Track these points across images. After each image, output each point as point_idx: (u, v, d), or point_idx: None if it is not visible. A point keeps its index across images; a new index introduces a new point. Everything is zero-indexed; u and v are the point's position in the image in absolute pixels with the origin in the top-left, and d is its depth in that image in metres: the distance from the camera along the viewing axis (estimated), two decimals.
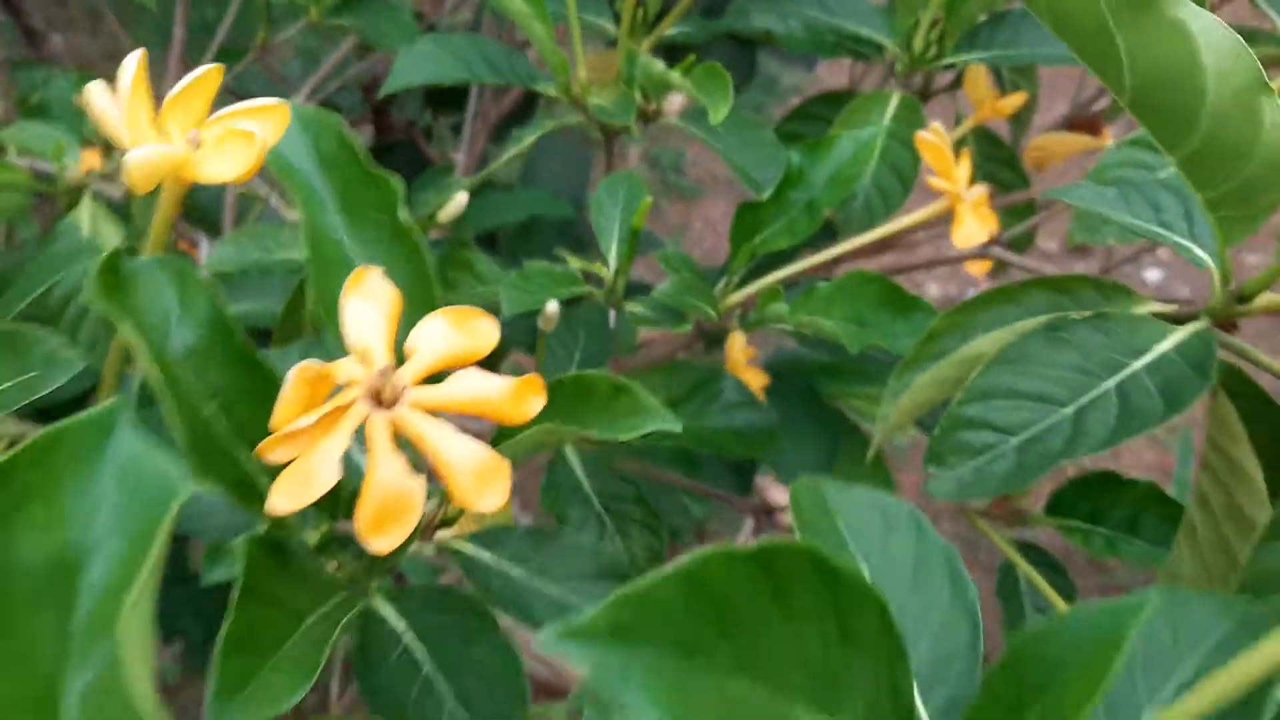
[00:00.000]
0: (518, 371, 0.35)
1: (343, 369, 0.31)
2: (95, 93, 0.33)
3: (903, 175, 0.68)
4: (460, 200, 0.68)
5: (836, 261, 0.64)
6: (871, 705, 0.23)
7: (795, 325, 0.60)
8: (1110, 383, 0.35)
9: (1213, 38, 0.31)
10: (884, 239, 0.64)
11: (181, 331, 0.33)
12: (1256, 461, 0.38)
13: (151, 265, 0.32)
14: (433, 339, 0.32)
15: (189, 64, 0.49)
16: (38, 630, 0.18)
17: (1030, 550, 0.60)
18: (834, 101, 0.78)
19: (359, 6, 0.78)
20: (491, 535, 0.41)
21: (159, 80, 0.36)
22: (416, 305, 0.33)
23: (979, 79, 0.71)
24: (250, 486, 0.33)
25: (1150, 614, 0.25)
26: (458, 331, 0.32)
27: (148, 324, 0.31)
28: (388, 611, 0.39)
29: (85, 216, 0.53)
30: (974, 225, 0.59)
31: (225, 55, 1.20)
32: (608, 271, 0.62)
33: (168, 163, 0.32)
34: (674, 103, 0.71)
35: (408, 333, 0.32)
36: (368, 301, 0.32)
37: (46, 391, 0.35)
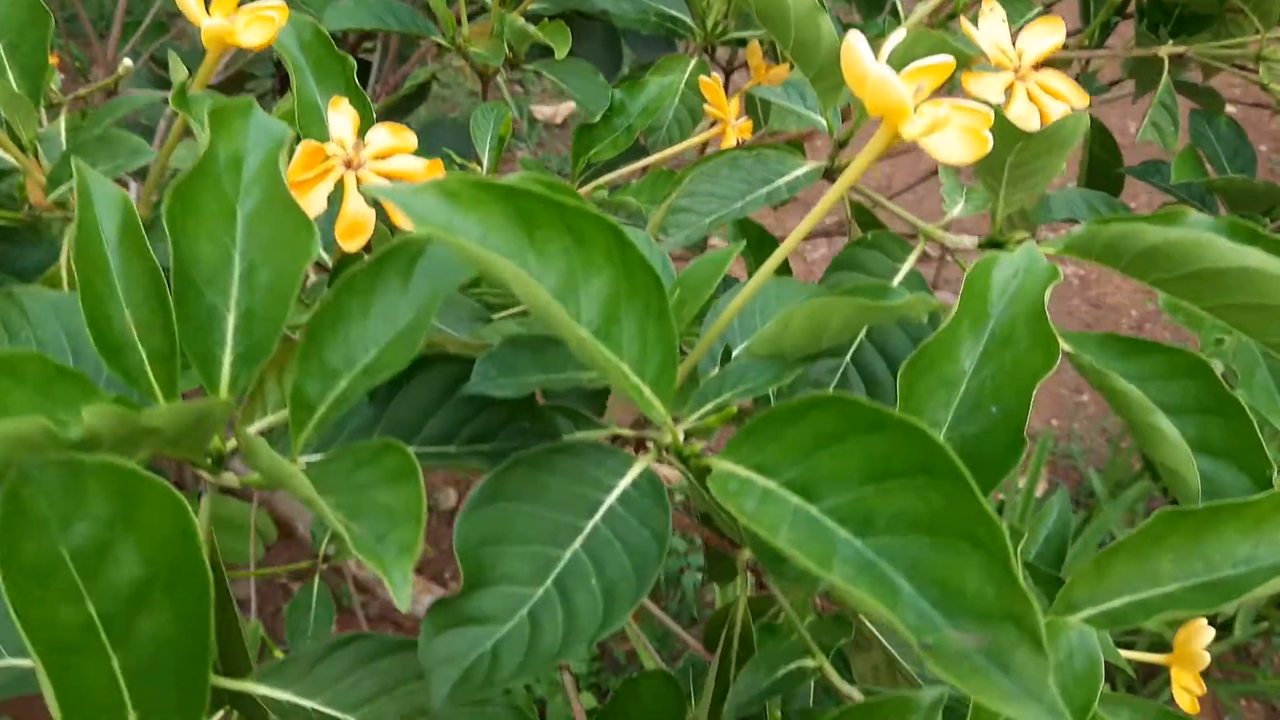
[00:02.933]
0: None
1: (329, 148, 0.55)
2: None
3: (694, 113, 0.95)
4: None
5: (645, 170, 0.91)
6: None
7: (614, 205, 0.86)
8: (763, 191, 0.62)
9: None
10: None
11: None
12: None
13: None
14: (379, 135, 0.56)
15: None
16: (228, 186, 0.42)
17: None
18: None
19: None
20: None
21: None
22: (368, 123, 0.58)
23: (755, 52, 0.98)
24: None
25: (760, 289, 0.51)
26: (394, 135, 0.57)
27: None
28: None
29: None
30: (736, 138, 0.85)
31: (155, 30, 1.43)
32: (481, 170, 0.87)
33: (225, 29, 0.56)
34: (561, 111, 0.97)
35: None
36: (341, 114, 0.56)
37: (134, 169, 0.58)
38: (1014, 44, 0.61)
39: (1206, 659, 0.64)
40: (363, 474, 0.36)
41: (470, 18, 0.95)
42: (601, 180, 0.89)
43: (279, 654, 0.89)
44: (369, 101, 0.60)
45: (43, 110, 0.66)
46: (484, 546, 0.41)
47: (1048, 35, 0.62)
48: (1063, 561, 0.78)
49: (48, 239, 0.65)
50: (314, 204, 0.54)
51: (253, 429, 0.46)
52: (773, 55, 1.07)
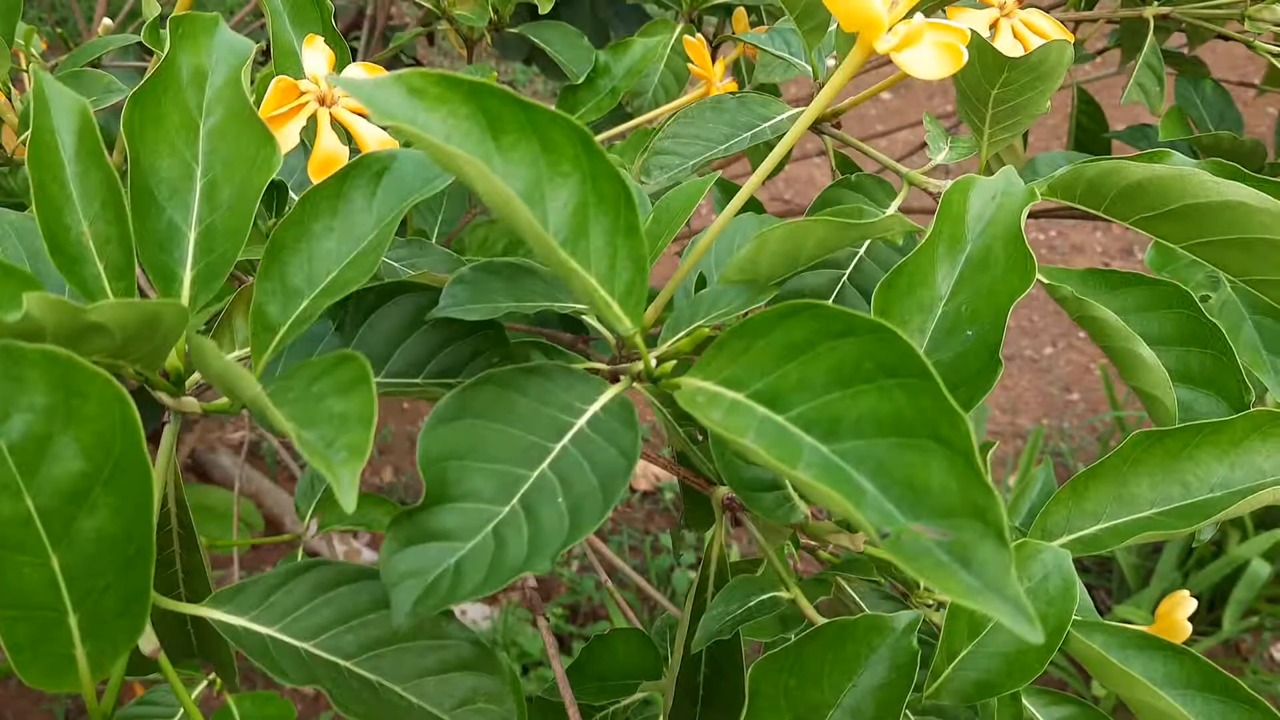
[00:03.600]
0: None
1: (303, 84, 0.55)
2: None
3: (679, 78, 0.94)
4: None
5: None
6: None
7: None
8: (747, 135, 0.61)
9: None
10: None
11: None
12: None
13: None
14: (355, 73, 0.56)
15: None
16: (191, 100, 0.42)
17: None
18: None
19: None
20: None
21: None
22: (344, 63, 0.57)
23: (741, 17, 0.98)
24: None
25: (735, 222, 0.50)
26: (370, 74, 0.56)
27: None
28: None
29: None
30: None
31: None
32: None
33: None
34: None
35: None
36: (316, 51, 0.55)
37: (106, 106, 0.58)
38: None
39: (1188, 629, 0.63)
40: (319, 385, 0.35)
41: None
42: None
43: None
44: (346, 45, 0.60)
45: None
46: (450, 461, 0.40)
47: None
48: None
49: (24, 186, 0.65)
50: (287, 139, 0.53)
51: (235, 355, 0.45)
52: (760, 24, 1.07)
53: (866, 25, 0.42)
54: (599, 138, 0.89)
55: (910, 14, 0.44)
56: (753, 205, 0.86)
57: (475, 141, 0.37)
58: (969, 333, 0.44)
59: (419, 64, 1.59)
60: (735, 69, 1.02)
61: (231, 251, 0.40)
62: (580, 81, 0.87)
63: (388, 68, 1.29)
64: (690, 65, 0.85)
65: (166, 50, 0.41)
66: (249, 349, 0.46)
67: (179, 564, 0.47)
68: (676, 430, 0.54)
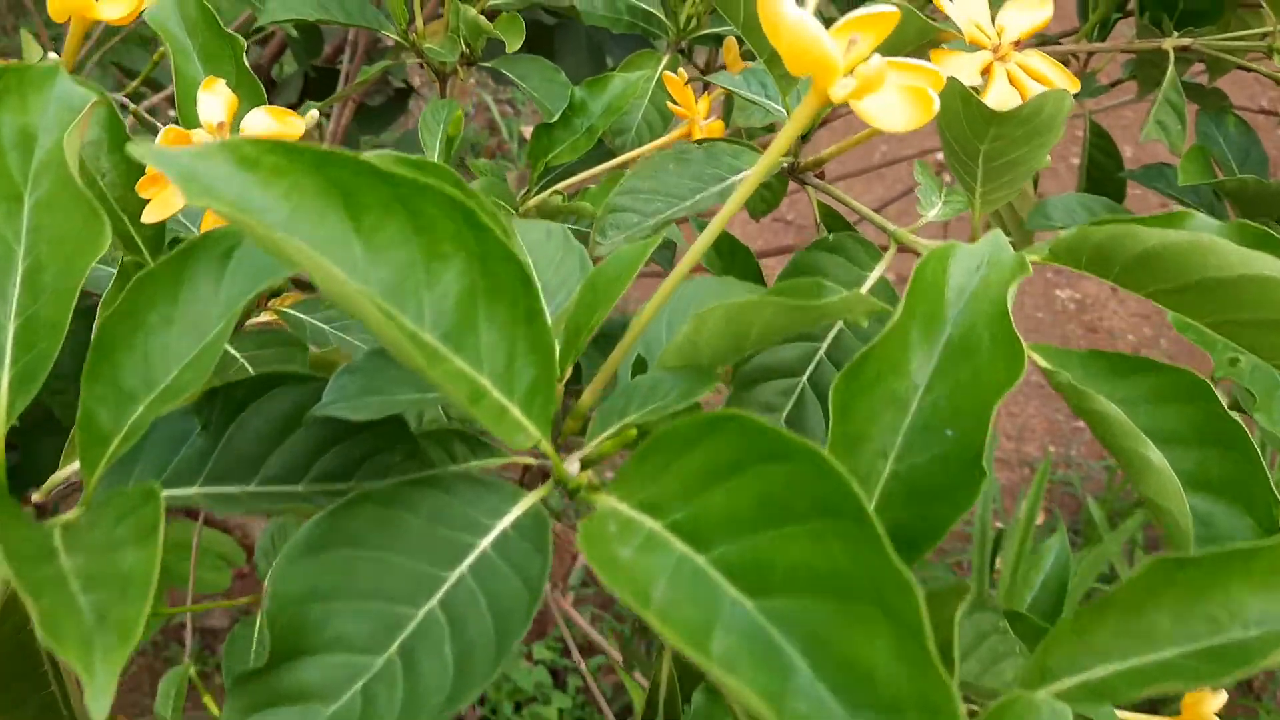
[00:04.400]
0: None
1: (195, 134, 0.48)
2: None
3: (664, 115, 0.87)
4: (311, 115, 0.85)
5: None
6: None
7: (569, 211, 0.78)
8: (714, 189, 0.54)
9: None
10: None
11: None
12: None
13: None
14: (258, 120, 0.49)
15: None
16: (14, 168, 0.35)
17: None
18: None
19: None
20: (309, 303, 0.58)
21: None
22: (253, 106, 0.51)
23: (731, 48, 0.91)
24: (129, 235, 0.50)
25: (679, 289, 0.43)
26: (276, 119, 0.49)
27: None
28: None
29: None
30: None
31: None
32: None
33: (78, 3, 0.49)
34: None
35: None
36: (214, 95, 0.49)
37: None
38: (993, 21, 0.54)
39: None
40: (124, 527, 0.29)
41: (434, 18, 0.88)
42: (559, 186, 0.81)
43: (209, 700, 0.82)
44: (260, 87, 0.53)
45: None
46: (311, 604, 0.33)
47: (1032, 10, 0.54)
48: (1061, 609, 0.69)
49: None
50: (172, 201, 0.47)
51: (65, 471, 0.39)
52: (751, 55, 1.00)
53: (817, 68, 0.35)
54: (575, 179, 0.82)
55: (869, 56, 0.37)
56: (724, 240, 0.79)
57: (327, 226, 0.30)
58: (948, 432, 0.37)
59: (411, 89, 1.53)
60: (724, 105, 0.95)
61: (51, 347, 0.33)
62: (555, 120, 0.80)
63: (379, 120, 1.23)
64: (669, 103, 0.78)
65: None
66: None
67: None
68: None
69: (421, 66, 1.50)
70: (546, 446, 0.35)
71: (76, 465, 0.39)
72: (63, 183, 0.35)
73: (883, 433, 0.37)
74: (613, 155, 0.89)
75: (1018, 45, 0.50)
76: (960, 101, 0.44)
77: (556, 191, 0.80)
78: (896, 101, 0.36)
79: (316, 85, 1.37)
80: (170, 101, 0.98)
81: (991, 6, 0.53)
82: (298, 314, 0.58)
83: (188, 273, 0.33)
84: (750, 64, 0.92)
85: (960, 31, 0.52)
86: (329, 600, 0.33)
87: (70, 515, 0.34)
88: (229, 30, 0.54)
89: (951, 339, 0.38)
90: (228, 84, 0.50)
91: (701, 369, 0.39)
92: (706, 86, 1.01)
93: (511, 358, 0.34)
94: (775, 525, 0.28)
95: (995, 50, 0.51)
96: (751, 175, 0.39)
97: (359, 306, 0.29)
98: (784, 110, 0.57)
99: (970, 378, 0.37)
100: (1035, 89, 0.50)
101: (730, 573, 0.28)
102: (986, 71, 0.51)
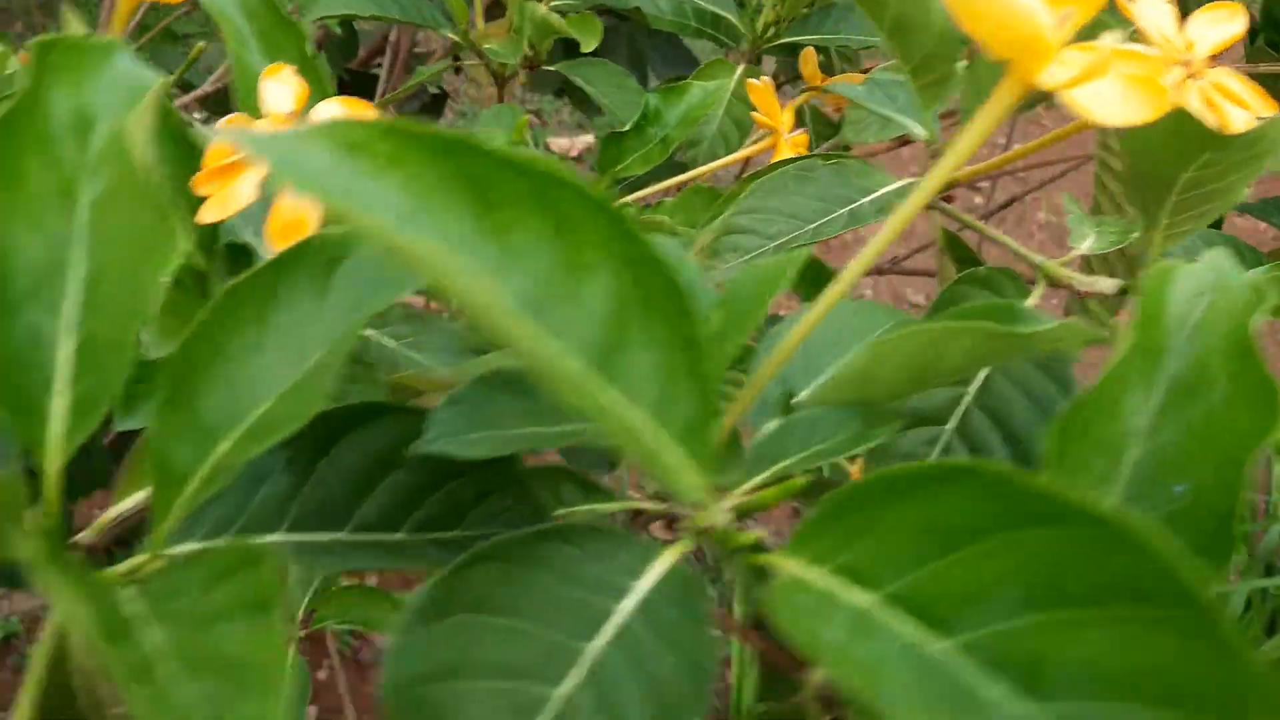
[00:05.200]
0: None
1: (261, 126, 0.42)
2: None
3: (741, 126, 0.81)
4: None
5: (680, 188, 0.78)
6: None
7: (646, 226, 0.72)
8: (843, 211, 0.48)
9: None
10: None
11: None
12: None
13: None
14: (329, 109, 0.43)
15: None
16: (68, 156, 0.30)
17: None
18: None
19: None
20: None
21: None
22: (320, 98, 0.45)
23: (810, 59, 0.85)
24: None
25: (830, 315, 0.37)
26: (349, 109, 0.44)
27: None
28: None
29: None
30: (790, 153, 0.72)
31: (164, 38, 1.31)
32: None
33: None
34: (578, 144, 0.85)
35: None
36: (280, 84, 0.43)
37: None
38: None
39: None
40: (217, 594, 0.23)
41: (492, 18, 0.83)
42: (630, 198, 0.76)
43: None
44: (327, 75, 0.48)
45: None
46: (432, 685, 0.27)
47: (1224, 22, 0.47)
48: None
49: None
50: (240, 194, 0.41)
51: (121, 507, 0.33)
52: (828, 68, 0.94)
53: (1025, 49, 0.29)
54: (645, 192, 0.76)
55: (1078, 37, 0.31)
56: (825, 273, 0.73)
57: (453, 222, 0.24)
58: (1177, 487, 0.30)
59: (446, 96, 1.47)
60: (799, 117, 0.89)
61: (117, 372, 0.28)
62: (627, 129, 0.74)
63: (406, 103, 1.18)
64: (754, 112, 0.72)
65: (27, 84, 0.28)
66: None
67: None
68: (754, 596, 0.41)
69: (458, 72, 1.46)
70: (706, 496, 0.29)
71: (133, 501, 0.33)
72: (126, 176, 0.29)
73: (1093, 484, 0.31)
74: (682, 168, 0.83)
75: (1211, 62, 0.44)
76: (1171, 118, 0.38)
77: (627, 204, 0.74)
78: (1119, 91, 0.30)
79: (349, 90, 1.32)
80: (200, 102, 0.93)
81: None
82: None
83: (284, 286, 0.28)
84: (844, 77, 0.87)
85: (1152, 40, 0.46)
86: (452, 680, 0.27)
87: (136, 564, 0.28)
88: (292, 17, 0.49)
89: (1177, 376, 0.31)
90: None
91: (873, 406, 0.33)
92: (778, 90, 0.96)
93: (667, 386, 0.28)
94: (1043, 608, 0.22)
95: (1187, 65, 0.44)
96: (922, 189, 0.33)
97: (509, 326, 0.23)
98: (918, 125, 0.51)
99: (1203, 421, 0.31)
100: (1231, 109, 0.44)
101: (989, 665, 0.22)
102: (1177, 89, 0.45)
